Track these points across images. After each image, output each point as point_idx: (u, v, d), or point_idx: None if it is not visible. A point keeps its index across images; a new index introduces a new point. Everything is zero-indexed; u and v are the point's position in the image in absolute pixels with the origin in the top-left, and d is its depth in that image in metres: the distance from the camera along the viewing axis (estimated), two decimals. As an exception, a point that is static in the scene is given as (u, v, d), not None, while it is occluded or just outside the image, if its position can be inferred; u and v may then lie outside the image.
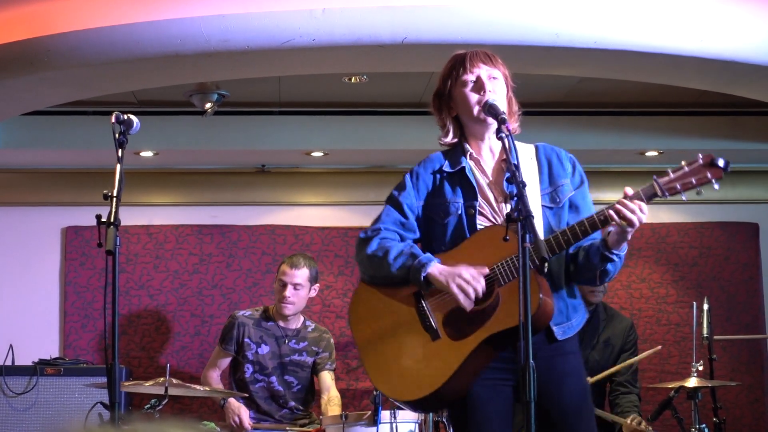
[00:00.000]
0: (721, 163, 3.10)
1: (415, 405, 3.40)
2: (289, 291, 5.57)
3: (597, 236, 3.27)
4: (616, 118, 6.73)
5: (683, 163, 3.13)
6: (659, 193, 3.12)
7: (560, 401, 3.26)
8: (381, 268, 3.34)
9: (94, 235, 3.28)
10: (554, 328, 3.28)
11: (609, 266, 3.26)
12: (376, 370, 3.39)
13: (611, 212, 3.13)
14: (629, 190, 3.15)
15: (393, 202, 3.43)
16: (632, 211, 3.10)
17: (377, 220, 3.43)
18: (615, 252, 3.21)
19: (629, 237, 3.18)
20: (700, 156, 3.13)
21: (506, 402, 3.32)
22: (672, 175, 3.13)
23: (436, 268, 3.25)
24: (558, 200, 3.34)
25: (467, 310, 3.22)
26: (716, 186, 3.13)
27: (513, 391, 3.33)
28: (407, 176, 3.44)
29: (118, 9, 4.74)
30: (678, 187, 3.12)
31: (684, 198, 3.16)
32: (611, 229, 3.21)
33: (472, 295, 3.21)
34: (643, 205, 3.12)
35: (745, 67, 4.99)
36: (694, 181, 3.11)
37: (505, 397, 3.32)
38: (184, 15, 4.69)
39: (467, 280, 3.20)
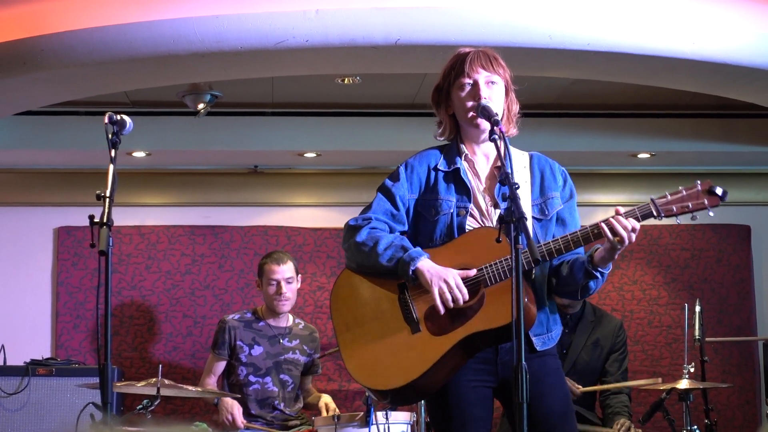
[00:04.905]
0: (719, 191, 3.21)
1: (385, 395, 3.38)
2: (284, 287, 5.63)
3: (581, 251, 3.30)
4: (608, 120, 6.73)
5: (681, 187, 3.22)
6: (655, 213, 3.20)
7: (542, 403, 3.25)
8: (369, 258, 3.32)
9: (87, 236, 3.29)
10: (534, 339, 3.29)
11: (591, 283, 3.28)
12: (351, 354, 3.36)
13: (604, 227, 3.16)
14: (621, 210, 3.20)
15: (385, 191, 3.42)
16: (625, 228, 3.14)
17: (368, 208, 3.41)
18: (600, 269, 3.24)
19: (616, 256, 3.21)
20: (699, 182, 3.23)
21: (487, 404, 3.34)
22: (669, 198, 3.21)
23: (425, 264, 3.24)
24: (547, 212, 3.36)
25: (440, 312, 3.22)
26: (711, 213, 3.24)
27: (492, 393, 3.34)
28: (401, 168, 3.43)
29: (112, 9, 4.73)
30: (674, 209, 3.21)
31: (678, 221, 3.26)
32: (598, 245, 3.23)
33: (450, 304, 3.21)
34: (636, 224, 3.17)
35: (738, 69, 5.01)
36: (690, 205, 3.22)
37: (486, 399, 3.33)
38: (178, 15, 4.68)
39: (450, 286, 3.21)
